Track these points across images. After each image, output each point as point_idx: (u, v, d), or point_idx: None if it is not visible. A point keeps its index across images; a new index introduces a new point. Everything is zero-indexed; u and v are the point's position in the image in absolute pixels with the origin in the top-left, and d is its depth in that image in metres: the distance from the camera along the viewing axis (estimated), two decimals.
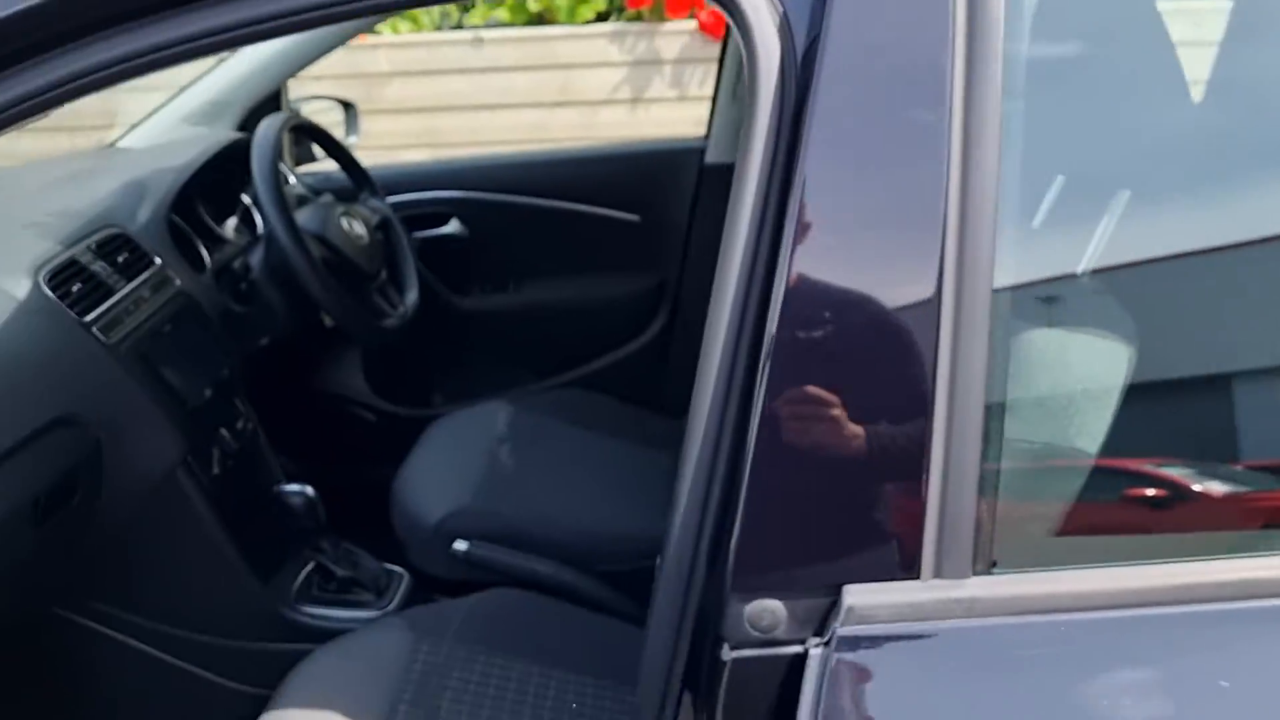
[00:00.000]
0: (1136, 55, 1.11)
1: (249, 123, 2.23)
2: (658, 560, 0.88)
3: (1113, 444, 0.92)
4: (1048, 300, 0.95)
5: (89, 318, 1.51)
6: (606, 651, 1.51)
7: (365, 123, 2.44)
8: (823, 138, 0.83)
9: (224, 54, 2.31)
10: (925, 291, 0.81)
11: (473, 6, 4.53)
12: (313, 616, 1.73)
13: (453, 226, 2.39)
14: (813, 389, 0.81)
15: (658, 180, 2.40)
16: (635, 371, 2.49)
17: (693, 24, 4.55)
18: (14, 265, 1.50)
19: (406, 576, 1.83)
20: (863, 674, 0.82)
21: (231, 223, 2.09)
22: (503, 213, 2.39)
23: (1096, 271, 0.95)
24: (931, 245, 0.81)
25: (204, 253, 1.90)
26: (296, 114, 1.96)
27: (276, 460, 1.95)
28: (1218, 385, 0.99)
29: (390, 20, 4.37)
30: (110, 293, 1.58)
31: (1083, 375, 0.97)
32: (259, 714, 1.39)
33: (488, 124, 4.51)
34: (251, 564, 1.70)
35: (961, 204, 0.81)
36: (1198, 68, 1.14)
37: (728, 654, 0.83)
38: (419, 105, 4.54)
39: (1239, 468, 0.99)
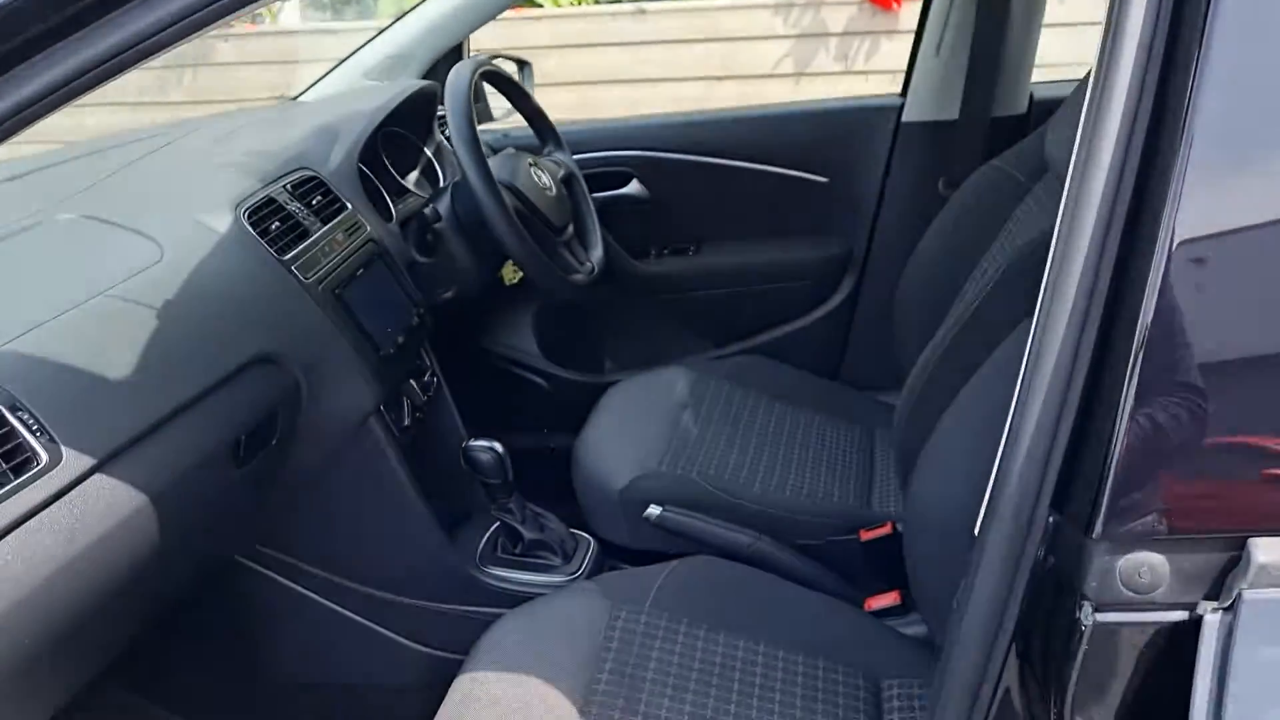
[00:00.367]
0: None
1: (431, 76, 2.19)
2: (983, 503, 0.74)
3: None
4: None
5: (287, 256, 1.47)
6: (816, 626, 1.41)
7: None
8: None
9: (404, 9, 2.28)
10: None
11: None
12: (497, 579, 1.67)
13: (633, 187, 2.30)
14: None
15: (849, 140, 2.26)
16: (813, 344, 2.37)
17: None
18: (213, 201, 1.47)
19: (593, 543, 1.75)
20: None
21: (413, 176, 2.05)
22: (684, 173, 2.29)
23: None
24: None
25: (389, 203, 1.86)
26: (489, 59, 1.89)
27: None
28: None
29: None
30: (307, 234, 1.54)
31: None
32: (439, 675, 1.33)
33: (648, 97, 4.45)
34: (440, 520, 1.64)
35: None
36: None
37: (1089, 616, 0.70)
38: (578, 78, 4.49)
39: None
